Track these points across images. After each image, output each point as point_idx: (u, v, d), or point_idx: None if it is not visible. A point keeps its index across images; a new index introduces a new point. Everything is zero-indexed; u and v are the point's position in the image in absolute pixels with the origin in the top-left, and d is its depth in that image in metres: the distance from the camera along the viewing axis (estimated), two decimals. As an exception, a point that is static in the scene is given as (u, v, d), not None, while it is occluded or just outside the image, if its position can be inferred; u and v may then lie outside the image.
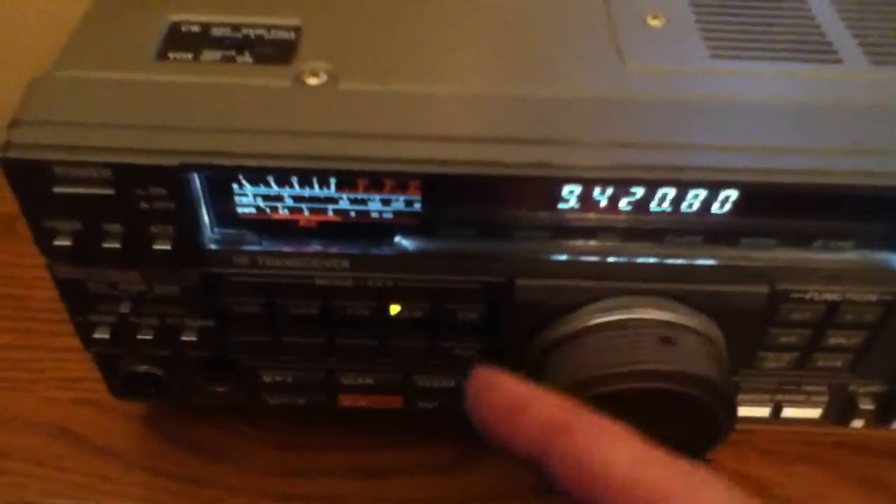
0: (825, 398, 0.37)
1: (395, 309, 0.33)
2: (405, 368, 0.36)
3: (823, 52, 0.35)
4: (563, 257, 0.32)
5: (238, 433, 0.43)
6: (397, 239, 0.32)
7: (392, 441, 0.43)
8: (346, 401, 0.38)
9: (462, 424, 0.42)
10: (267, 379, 0.37)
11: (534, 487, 0.40)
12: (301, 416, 0.43)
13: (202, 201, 0.30)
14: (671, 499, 0.21)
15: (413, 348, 0.35)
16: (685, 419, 0.32)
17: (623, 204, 0.31)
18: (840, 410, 0.38)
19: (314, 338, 0.35)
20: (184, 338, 0.34)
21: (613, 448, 0.23)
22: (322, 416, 0.43)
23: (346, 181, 0.30)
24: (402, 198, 0.31)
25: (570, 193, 0.31)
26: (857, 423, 0.38)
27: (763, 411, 0.38)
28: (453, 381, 0.37)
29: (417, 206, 0.31)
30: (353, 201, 0.31)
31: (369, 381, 0.37)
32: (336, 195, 0.31)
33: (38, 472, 0.40)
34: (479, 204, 0.32)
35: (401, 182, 0.30)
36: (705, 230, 0.32)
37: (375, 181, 0.30)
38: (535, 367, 0.33)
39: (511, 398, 0.25)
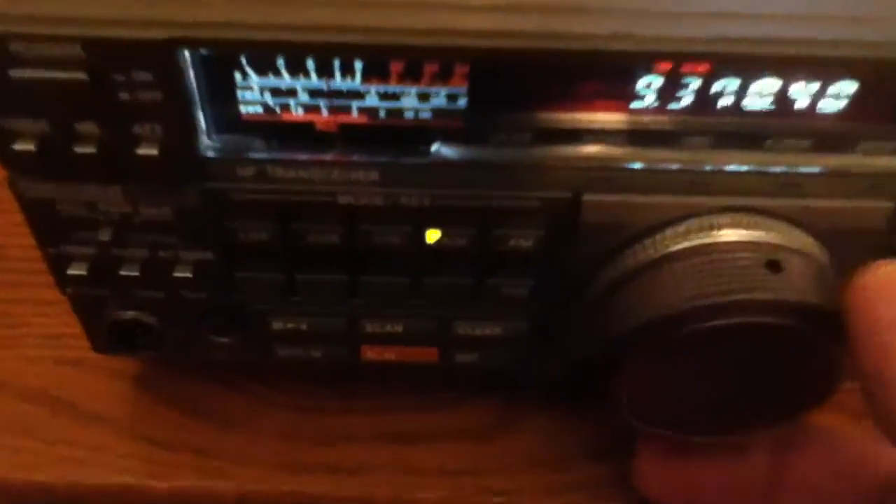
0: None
1: (433, 235, 0.27)
2: (443, 312, 0.31)
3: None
4: (641, 166, 0.26)
5: (248, 394, 0.37)
6: (436, 146, 0.26)
7: (424, 403, 0.37)
8: (370, 353, 0.32)
9: (504, 379, 0.37)
10: (277, 327, 0.31)
11: (575, 455, 0.35)
12: (320, 374, 0.37)
13: (197, 96, 0.24)
14: None
15: (454, 286, 0.29)
16: (796, 361, 0.26)
17: (713, 98, 0.25)
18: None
19: (334, 273, 0.29)
20: (177, 273, 0.29)
21: None
22: (345, 375, 0.37)
23: (375, 67, 0.24)
24: (443, 91, 0.25)
25: (648, 87, 0.25)
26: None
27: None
28: (499, 327, 0.31)
29: (462, 101, 0.25)
30: (383, 96, 0.25)
31: (398, 328, 0.31)
32: (362, 88, 0.25)
33: (19, 444, 0.35)
34: (539, 99, 0.26)
35: (444, 67, 0.24)
36: (815, 132, 0.26)
37: (412, 66, 0.24)
38: (603, 305, 0.28)
39: None
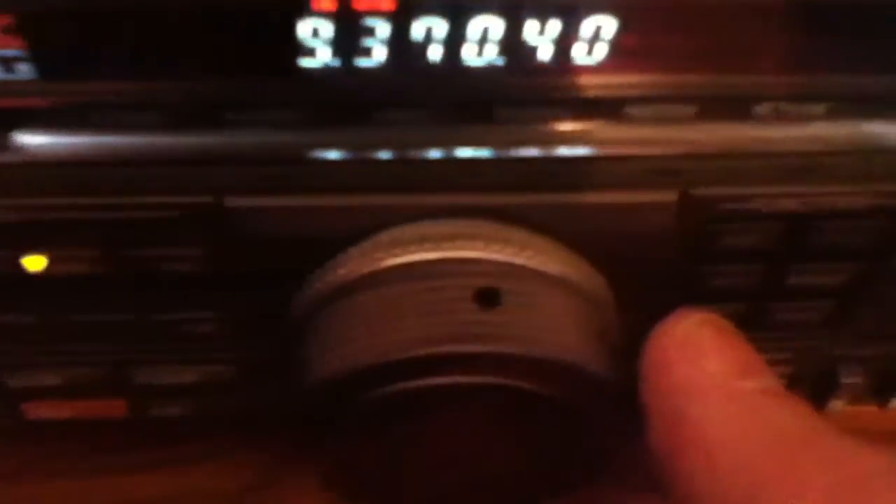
0: (788, 369, 0.24)
1: (36, 263, 0.19)
2: (114, 357, 0.22)
3: None
4: (318, 155, 0.18)
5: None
6: (15, 135, 0.18)
7: (167, 457, 0.29)
8: (37, 411, 0.24)
9: (259, 429, 0.29)
10: None
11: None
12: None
13: None
14: None
15: (107, 325, 0.21)
16: (542, 433, 0.18)
17: (416, 50, 0.17)
18: (811, 387, 0.25)
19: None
20: None
21: None
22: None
23: None
24: (-10, 52, 0.17)
25: (315, 35, 0.17)
26: (837, 405, 0.25)
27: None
28: (196, 373, 0.23)
29: (25, 69, 0.17)
30: None
31: (55, 380, 0.23)
32: None
33: None
34: (149, 58, 0.17)
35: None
36: (569, 97, 0.18)
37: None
38: (295, 345, 0.20)
39: None
